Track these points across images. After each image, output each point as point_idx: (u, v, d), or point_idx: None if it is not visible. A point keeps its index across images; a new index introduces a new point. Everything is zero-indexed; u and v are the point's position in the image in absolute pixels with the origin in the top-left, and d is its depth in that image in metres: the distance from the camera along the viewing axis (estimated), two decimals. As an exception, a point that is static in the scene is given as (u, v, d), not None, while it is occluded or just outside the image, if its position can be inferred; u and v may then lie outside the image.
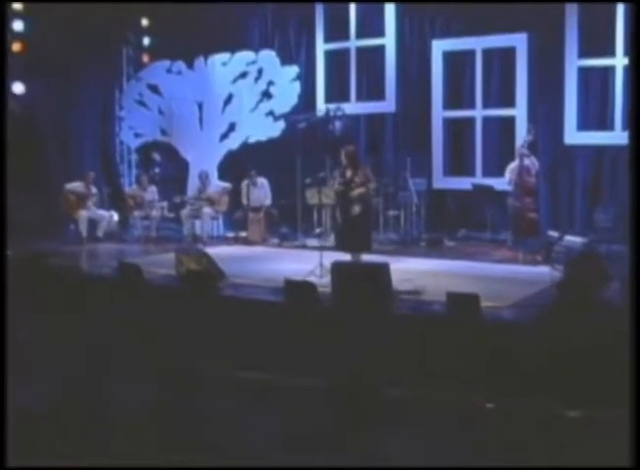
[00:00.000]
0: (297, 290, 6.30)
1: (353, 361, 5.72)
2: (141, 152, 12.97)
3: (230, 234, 11.04)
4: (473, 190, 10.33)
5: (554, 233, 8.75)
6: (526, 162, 9.63)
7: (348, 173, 8.10)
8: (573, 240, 7.80)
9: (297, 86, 11.36)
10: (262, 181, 10.94)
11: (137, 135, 12.61)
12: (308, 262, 8.44)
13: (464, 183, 10.87)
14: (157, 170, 12.92)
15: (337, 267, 6.46)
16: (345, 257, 8.07)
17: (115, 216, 11.48)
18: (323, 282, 7.02)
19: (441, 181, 11.14)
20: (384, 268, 6.33)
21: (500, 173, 10.27)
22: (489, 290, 6.55)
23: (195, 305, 6.60)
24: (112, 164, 13.02)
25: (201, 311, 6.47)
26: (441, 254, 9.59)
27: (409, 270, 7.58)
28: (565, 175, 10.40)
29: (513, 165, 9.83)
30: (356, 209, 8.00)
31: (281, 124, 11.39)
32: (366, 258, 8.17)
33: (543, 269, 8.15)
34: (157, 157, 13.04)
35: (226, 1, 11.55)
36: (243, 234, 10.74)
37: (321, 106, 11.76)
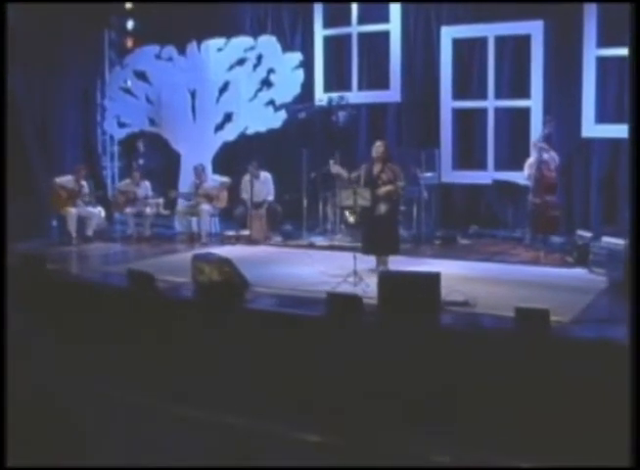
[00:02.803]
0: (342, 303, 5.72)
1: (408, 382, 5.25)
2: (127, 143, 12.17)
3: (230, 232, 10.31)
4: (493, 185, 9.83)
5: (585, 233, 8.34)
6: (545, 156, 9.19)
7: (376, 170, 7.55)
8: (615, 242, 7.35)
9: (299, 74, 10.66)
10: (266, 175, 10.27)
11: (122, 125, 11.77)
12: (325, 264, 7.99)
13: (474, 177, 10.45)
14: (140, 162, 12.18)
15: (384, 278, 5.90)
16: (368, 259, 7.59)
17: (103, 213, 10.71)
18: (358, 290, 6.49)
19: (451, 175, 10.65)
20: (434, 279, 5.80)
21: (513, 167, 9.91)
22: (543, 299, 6.07)
23: (224, 321, 6.00)
24: (94, 156, 12.21)
25: (233, 329, 5.89)
26: (459, 253, 9.10)
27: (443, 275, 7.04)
28: (582, 170, 10.01)
29: (531, 160, 9.39)
30: (383, 208, 7.49)
31: (282, 115, 10.71)
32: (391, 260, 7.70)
33: (579, 272, 7.75)
34: (140, 146, 12.30)
35: (223, 1, 10.91)
36: (245, 232, 10.05)
37: (320, 95, 11.17)
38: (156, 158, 11.99)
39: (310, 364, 5.42)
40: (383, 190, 7.47)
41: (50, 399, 5.22)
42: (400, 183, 7.60)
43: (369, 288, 6.58)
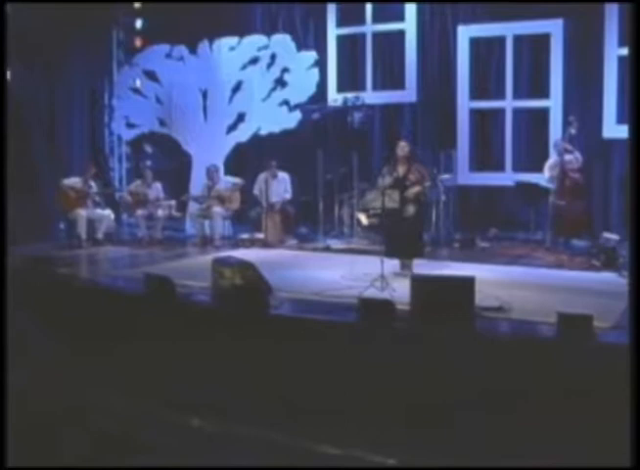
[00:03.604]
0: (374, 309, 5.50)
1: (447, 390, 5.03)
2: (136, 144, 11.93)
3: (244, 235, 10.06)
4: (515, 187, 9.61)
5: (611, 235, 8.13)
6: (568, 157, 9.00)
7: (401, 170, 7.34)
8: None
9: (315, 74, 10.46)
10: (283, 175, 10.05)
11: (131, 126, 11.57)
12: (344, 268, 7.74)
13: (492, 179, 10.27)
14: (148, 163, 11.94)
15: (417, 282, 5.67)
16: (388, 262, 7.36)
17: (112, 215, 10.46)
18: (385, 295, 6.27)
19: (468, 177, 10.44)
20: (469, 283, 5.57)
21: (531, 169, 9.71)
22: (577, 304, 5.85)
23: (249, 328, 5.76)
24: (101, 157, 11.98)
25: (259, 336, 5.64)
26: (480, 255, 8.88)
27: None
28: (603, 171, 9.81)
29: (552, 162, 9.20)
30: (411, 209, 7.28)
31: (297, 115, 10.50)
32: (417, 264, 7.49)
33: (608, 276, 7.54)
34: (148, 149, 12.07)
35: (230, 1, 10.68)
36: (259, 235, 9.81)
37: (334, 96, 10.95)
38: (166, 159, 11.75)
39: (343, 371, 5.18)
40: (411, 191, 7.26)
41: (52, 401, 5.01)
42: (427, 184, 7.40)
43: (395, 292, 6.37)
